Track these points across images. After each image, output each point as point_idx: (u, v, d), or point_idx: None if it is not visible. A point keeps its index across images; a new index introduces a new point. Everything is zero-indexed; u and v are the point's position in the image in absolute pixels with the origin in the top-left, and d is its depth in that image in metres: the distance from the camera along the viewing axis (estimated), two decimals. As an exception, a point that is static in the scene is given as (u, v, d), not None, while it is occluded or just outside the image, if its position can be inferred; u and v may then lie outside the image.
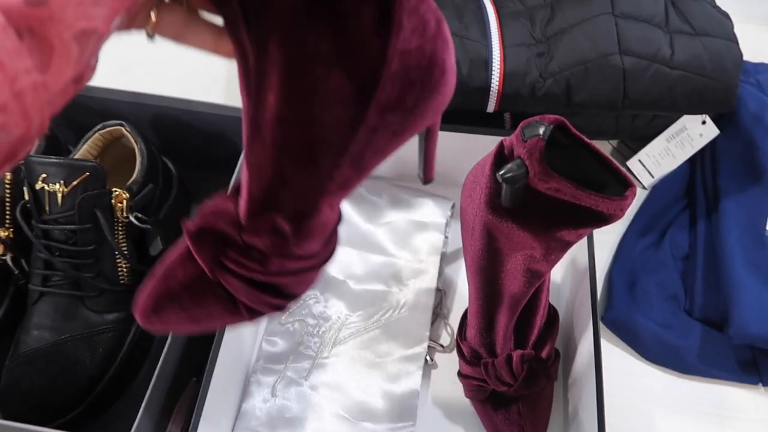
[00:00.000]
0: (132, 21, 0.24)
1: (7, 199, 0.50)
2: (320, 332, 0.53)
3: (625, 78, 0.55)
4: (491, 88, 0.56)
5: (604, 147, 0.67)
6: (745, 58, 0.59)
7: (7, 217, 0.50)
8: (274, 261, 0.30)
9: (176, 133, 0.59)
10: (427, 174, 0.35)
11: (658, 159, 0.64)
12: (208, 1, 0.25)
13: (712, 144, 0.62)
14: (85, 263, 0.48)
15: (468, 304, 0.49)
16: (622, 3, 0.58)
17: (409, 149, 0.31)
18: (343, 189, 0.29)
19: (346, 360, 0.52)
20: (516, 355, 0.45)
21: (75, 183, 0.46)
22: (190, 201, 0.62)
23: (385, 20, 0.23)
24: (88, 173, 0.47)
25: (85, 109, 0.57)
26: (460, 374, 0.50)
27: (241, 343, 0.51)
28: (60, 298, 0.48)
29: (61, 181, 0.46)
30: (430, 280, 0.56)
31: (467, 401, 0.51)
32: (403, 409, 0.50)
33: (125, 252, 0.49)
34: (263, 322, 0.54)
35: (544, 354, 0.46)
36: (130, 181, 0.51)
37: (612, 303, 0.56)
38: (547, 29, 0.58)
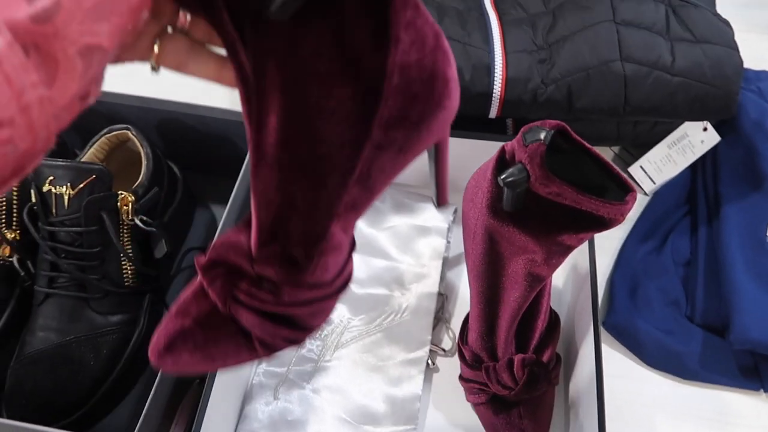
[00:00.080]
0: (135, 52, 0.24)
1: (15, 202, 0.50)
2: (322, 336, 0.54)
3: (627, 84, 0.55)
4: (493, 94, 0.56)
5: (606, 153, 0.67)
6: (746, 65, 0.60)
7: (14, 219, 0.50)
8: (286, 291, 0.29)
9: (181, 138, 0.59)
10: (440, 197, 0.35)
11: (659, 165, 0.64)
12: (209, 30, 0.25)
13: (714, 150, 0.63)
14: (91, 265, 0.48)
15: (469, 309, 0.49)
16: (623, 10, 0.58)
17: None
18: (353, 211, 0.28)
19: (348, 363, 0.53)
20: (517, 359, 0.46)
21: (81, 186, 0.47)
22: (194, 204, 0.62)
23: (382, 35, 0.23)
24: (94, 176, 0.47)
25: (92, 113, 0.57)
26: (461, 378, 0.50)
27: (244, 345, 0.51)
28: (65, 300, 0.48)
29: (68, 184, 0.47)
30: (432, 285, 0.56)
31: (468, 405, 0.51)
32: (405, 412, 0.50)
33: (130, 254, 0.50)
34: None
35: (545, 358, 0.47)
36: (136, 184, 0.51)
37: (613, 308, 0.56)
38: (549, 36, 0.59)
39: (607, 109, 0.56)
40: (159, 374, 0.43)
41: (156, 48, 0.24)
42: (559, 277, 0.58)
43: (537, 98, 0.56)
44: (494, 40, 0.58)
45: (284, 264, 0.28)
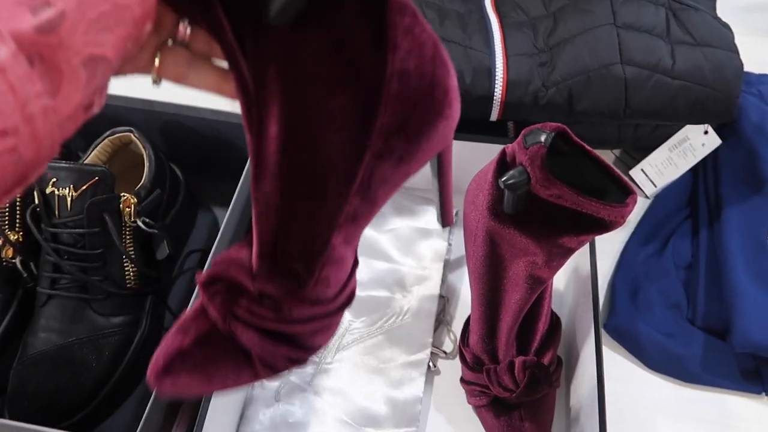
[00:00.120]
0: (137, 65, 0.24)
1: (18, 203, 0.51)
2: (324, 338, 0.54)
3: (627, 87, 0.55)
4: (494, 97, 0.56)
5: (607, 156, 0.68)
6: (748, 69, 0.60)
7: (18, 220, 0.51)
8: (287, 307, 0.29)
9: (184, 140, 0.60)
10: (445, 216, 0.34)
11: (660, 168, 0.64)
12: (209, 42, 0.25)
13: (715, 154, 0.63)
14: (93, 266, 0.48)
15: (471, 311, 0.49)
16: (623, 14, 0.58)
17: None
18: (355, 223, 0.28)
19: (349, 366, 0.53)
20: (518, 361, 0.46)
21: (84, 187, 0.47)
22: (196, 207, 0.62)
23: (381, 41, 0.23)
24: (97, 178, 0.47)
25: (95, 116, 0.58)
26: (462, 380, 0.50)
27: (246, 347, 0.52)
28: (67, 301, 0.48)
29: (71, 186, 0.47)
30: (433, 287, 0.56)
31: (470, 407, 0.51)
32: (406, 414, 0.50)
33: (132, 256, 0.50)
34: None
35: (546, 360, 0.47)
36: (138, 186, 0.52)
37: (614, 311, 0.56)
38: (549, 39, 0.59)
39: (608, 112, 0.57)
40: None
41: (157, 61, 0.24)
42: (560, 280, 0.58)
43: (538, 101, 0.57)
44: (495, 43, 0.58)
45: (285, 278, 0.28)
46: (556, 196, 0.37)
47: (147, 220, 0.50)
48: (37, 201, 0.48)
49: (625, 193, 0.38)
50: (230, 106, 0.74)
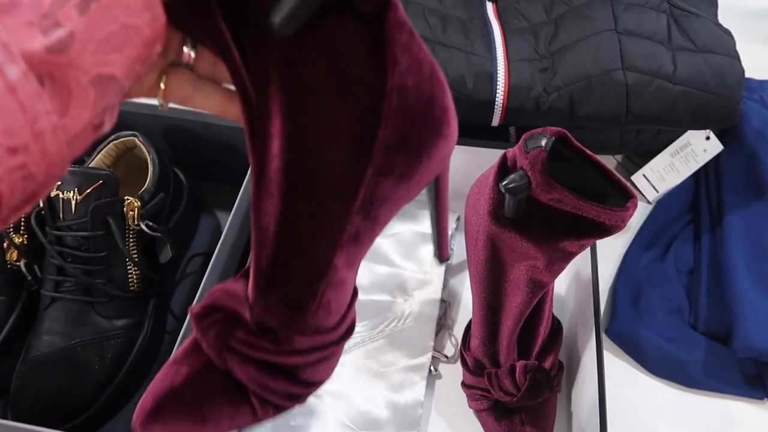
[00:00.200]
0: (142, 88, 0.24)
1: (23, 207, 0.51)
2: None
3: (628, 93, 0.56)
4: (496, 102, 0.57)
5: (609, 161, 0.68)
6: (749, 75, 0.60)
7: (22, 223, 0.51)
8: (288, 337, 0.28)
9: (187, 145, 0.60)
10: (442, 249, 0.34)
11: (662, 174, 0.64)
12: (213, 63, 0.25)
13: (716, 159, 0.63)
14: (97, 269, 0.49)
15: (472, 315, 0.49)
16: (624, 20, 0.59)
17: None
18: (357, 243, 0.27)
19: (350, 369, 0.53)
20: (519, 365, 0.46)
21: (88, 191, 0.48)
22: (199, 211, 0.63)
23: (380, 56, 0.23)
24: (101, 181, 0.48)
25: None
26: (463, 384, 0.50)
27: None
28: (71, 304, 0.49)
29: (75, 189, 0.47)
30: (434, 291, 0.57)
31: (471, 412, 0.51)
32: (407, 418, 0.50)
33: (135, 259, 0.50)
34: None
35: (547, 365, 0.47)
36: (142, 190, 0.52)
37: (616, 316, 0.56)
38: (551, 45, 0.59)
39: (609, 117, 0.57)
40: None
41: (162, 84, 0.24)
42: (561, 285, 0.58)
43: (539, 106, 0.57)
44: (497, 49, 0.58)
45: (284, 306, 0.27)
46: (557, 200, 0.37)
47: (150, 223, 0.51)
48: (41, 204, 0.48)
49: (625, 197, 0.38)
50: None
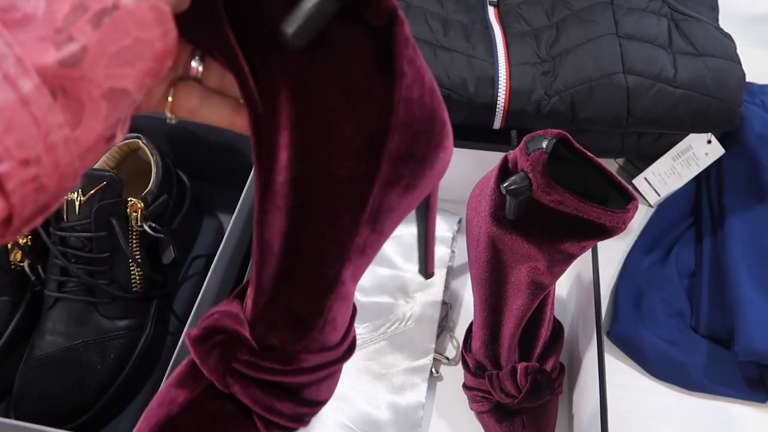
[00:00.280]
0: (151, 101, 0.24)
1: (27, 208, 0.51)
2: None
3: (629, 96, 0.56)
4: (497, 105, 0.57)
5: (610, 165, 0.68)
6: (751, 80, 0.60)
7: (26, 224, 0.51)
8: (294, 356, 0.27)
9: (191, 147, 0.60)
10: (428, 265, 0.34)
11: (664, 177, 0.64)
12: (221, 75, 0.25)
13: (718, 163, 0.63)
14: (100, 270, 0.49)
15: (473, 317, 0.49)
16: (625, 24, 0.59)
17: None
18: (363, 255, 0.27)
19: (351, 371, 0.53)
20: (520, 367, 0.46)
21: (92, 192, 0.48)
22: (202, 212, 0.63)
23: (387, 70, 0.24)
24: (105, 183, 0.48)
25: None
26: (464, 386, 0.50)
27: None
28: (74, 304, 0.49)
29: (79, 190, 0.48)
30: (436, 293, 0.57)
31: (472, 413, 0.51)
32: (408, 420, 0.50)
33: (138, 260, 0.50)
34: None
35: (548, 367, 0.47)
36: (145, 191, 0.52)
37: (618, 319, 0.56)
38: (552, 49, 0.59)
39: (610, 120, 0.57)
40: (164, 379, 0.44)
41: (170, 97, 0.25)
42: (563, 287, 0.58)
43: (540, 109, 0.57)
44: (498, 53, 0.58)
45: (290, 322, 0.27)
46: (558, 202, 0.37)
47: (153, 224, 0.51)
48: (46, 205, 0.49)
49: (626, 199, 0.38)
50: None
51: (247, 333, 0.27)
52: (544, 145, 0.37)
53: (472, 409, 0.50)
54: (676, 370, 0.53)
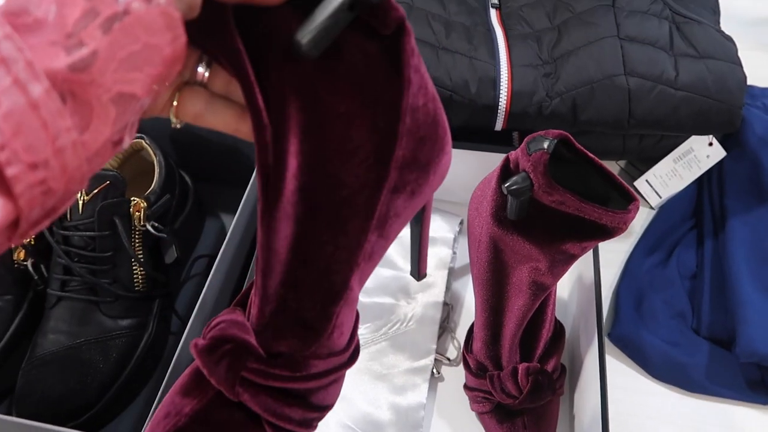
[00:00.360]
0: (156, 106, 0.24)
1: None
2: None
3: (631, 98, 0.56)
4: (499, 107, 0.57)
5: (612, 167, 0.68)
6: (752, 83, 0.60)
7: (30, 224, 0.52)
8: (303, 362, 0.27)
9: (193, 148, 0.61)
10: (421, 267, 0.34)
11: (665, 179, 0.64)
12: (227, 81, 0.25)
13: (719, 165, 0.63)
14: (102, 269, 0.49)
15: (474, 317, 0.50)
16: (627, 27, 0.59)
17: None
18: (370, 261, 0.27)
19: (353, 371, 0.53)
20: (521, 367, 0.46)
21: (95, 191, 0.48)
22: (204, 213, 0.63)
23: (395, 78, 0.24)
24: (108, 182, 0.48)
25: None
26: (465, 387, 0.50)
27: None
28: (77, 303, 0.49)
29: (83, 190, 0.48)
30: (437, 294, 0.57)
31: (473, 414, 0.51)
32: (409, 420, 0.50)
33: (141, 259, 0.51)
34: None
35: (549, 367, 0.47)
36: (148, 191, 0.52)
37: (619, 320, 0.56)
38: (554, 51, 0.60)
39: (612, 122, 0.57)
40: (166, 378, 0.44)
41: (175, 101, 0.25)
42: (564, 289, 0.58)
43: (542, 111, 0.57)
44: (500, 55, 0.59)
45: (297, 331, 0.27)
46: (559, 203, 0.37)
47: (156, 224, 0.51)
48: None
49: (627, 200, 0.38)
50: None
51: (253, 341, 0.27)
52: (545, 145, 0.37)
53: (473, 409, 0.50)
54: (677, 372, 0.53)
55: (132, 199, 0.50)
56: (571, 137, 0.39)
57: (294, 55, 0.22)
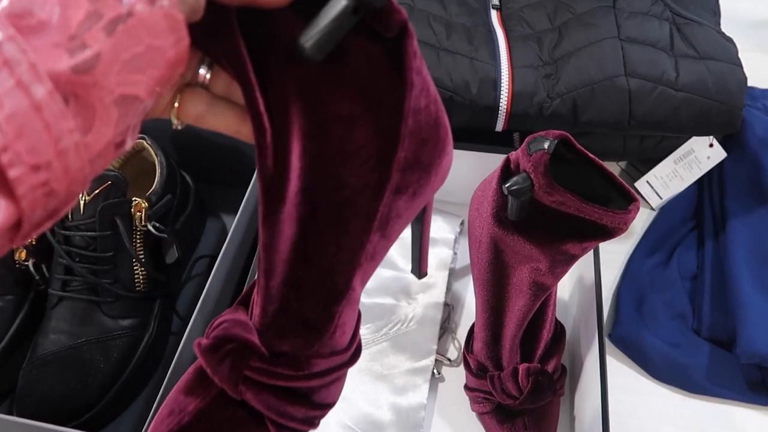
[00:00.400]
0: (157, 107, 0.24)
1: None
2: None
3: (631, 99, 0.56)
4: (500, 107, 0.57)
5: (613, 168, 0.68)
6: (753, 84, 0.60)
7: (31, 224, 0.52)
8: (306, 361, 0.28)
9: (195, 148, 0.61)
10: (422, 265, 0.34)
11: (666, 181, 0.64)
12: (228, 83, 0.25)
13: (720, 166, 0.63)
14: (104, 269, 0.49)
15: (475, 318, 0.50)
16: (627, 28, 0.59)
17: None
18: (372, 261, 0.28)
19: (354, 371, 0.53)
20: (522, 368, 0.46)
21: (97, 192, 0.48)
22: (205, 213, 0.64)
23: (398, 79, 0.24)
24: (109, 182, 0.48)
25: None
26: (466, 387, 0.50)
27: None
28: (78, 303, 0.49)
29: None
30: (438, 295, 0.57)
31: (473, 415, 0.51)
32: (410, 421, 0.50)
33: (142, 259, 0.51)
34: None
35: (550, 368, 0.47)
36: (150, 191, 0.53)
37: (620, 321, 0.56)
38: (554, 52, 0.60)
39: (612, 122, 0.57)
40: (167, 378, 0.44)
41: (177, 103, 0.25)
42: (565, 290, 0.58)
43: (543, 112, 0.57)
44: (501, 55, 0.59)
45: (299, 331, 0.27)
46: (559, 203, 0.37)
47: (157, 224, 0.51)
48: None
49: (627, 200, 0.38)
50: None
51: (256, 340, 0.27)
52: (546, 145, 0.37)
53: (473, 410, 0.50)
54: (678, 373, 0.53)
55: (133, 199, 0.50)
56: (572, 138, 0.39)
57: (297, 58, 0.22)
